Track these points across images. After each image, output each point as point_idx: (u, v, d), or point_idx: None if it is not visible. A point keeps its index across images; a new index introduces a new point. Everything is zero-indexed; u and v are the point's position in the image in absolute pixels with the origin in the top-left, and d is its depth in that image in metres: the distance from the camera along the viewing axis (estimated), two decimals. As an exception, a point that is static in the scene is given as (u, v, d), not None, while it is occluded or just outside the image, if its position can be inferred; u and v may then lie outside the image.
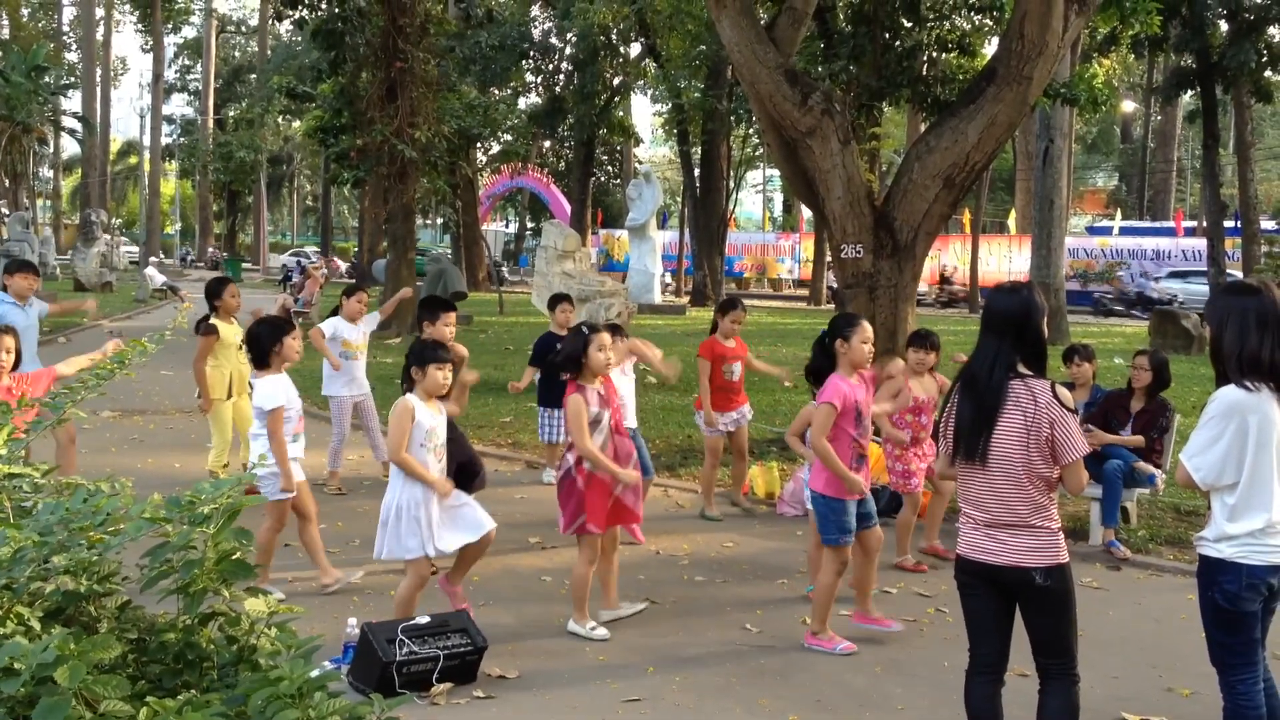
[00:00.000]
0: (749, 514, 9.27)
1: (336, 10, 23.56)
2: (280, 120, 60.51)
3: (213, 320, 8.85)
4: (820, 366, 6.39)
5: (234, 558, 2.55)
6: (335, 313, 9.89)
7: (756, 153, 44.62)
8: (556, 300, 10.39)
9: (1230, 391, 4.08)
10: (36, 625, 2.43)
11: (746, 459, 9.50)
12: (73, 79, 57.54)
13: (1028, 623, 4.19)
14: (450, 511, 6.01)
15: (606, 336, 6.26)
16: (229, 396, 8.77)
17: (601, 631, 6.19)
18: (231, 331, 8.73)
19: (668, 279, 42.02)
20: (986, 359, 4.17)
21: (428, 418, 5.87)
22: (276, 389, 6.62)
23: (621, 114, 46.43)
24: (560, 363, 6.33)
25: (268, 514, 6.73)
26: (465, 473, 7.55)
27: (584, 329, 6.33)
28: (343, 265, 26.44)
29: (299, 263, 44.04)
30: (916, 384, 7.81)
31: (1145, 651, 6.18)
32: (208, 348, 8.71)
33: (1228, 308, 4.19)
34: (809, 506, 6.97)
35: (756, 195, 78.84)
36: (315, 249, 50.39)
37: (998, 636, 4.27)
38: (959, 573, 4.31)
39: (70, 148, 71.01)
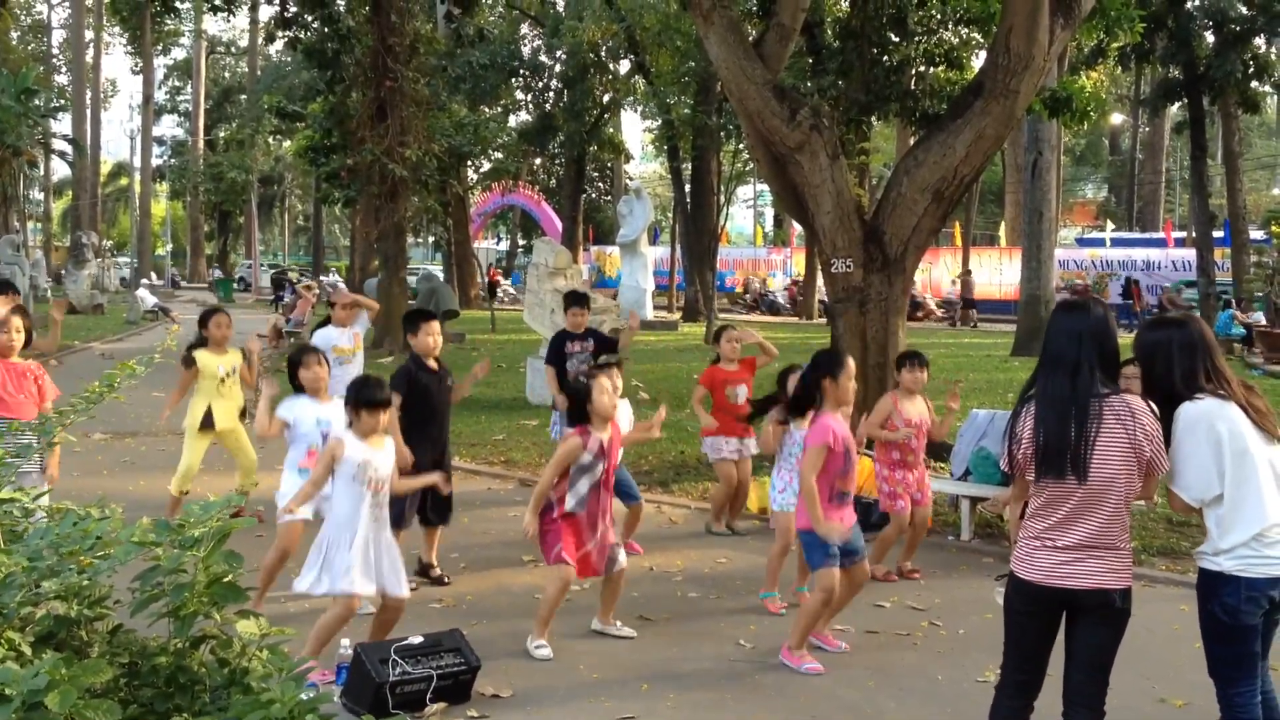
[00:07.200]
0: (732, 533, 9.17)
1: (327, 30, 23.61)
2: (271, 140, 60.42)
3: (196, 351, 8.79)
4: (803, 398, 6.40)
5: (224, 580, 2.55)
6: (326, 323, 9.82)
7: (747, 168, 44.62)
8: (571, 300, 9.73)
9: (1186, 405, 4.08)
10: (28, 650, 2.43)
11: (746, 494, 9.40)
12: (62, 101, 57.23)
13: (1083, 645, 4.07)
14: (378, 553, 5.71)
15: (607, 381, 6.28)
16: (206, 427, 8.69)
17: (545, 652, 6.15)
18: (215, 362, 8.68)
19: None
20: (1063, 375, 4.00)
21: (359, 452, 5.61)
22: (298, 408, 6.59)
23: (611, 130, 46.41)
24: (569, 417, 6.38)
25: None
26: (438, 500, 7.51)
27: (582, 378, 6.41)
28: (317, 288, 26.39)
29: (289, 281, 43.95)
30: (908, 405, 7.83)
31: (1138, 662, 6.17)
32: (187, 381, 8.70)
33: (1153, 343, 4.21)
34: (773, 526, 6.99)
35: (747, 210, 78.95)
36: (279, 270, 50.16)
37: (1042, 662, 4.16)
38: (1020, 599, 4.10)
39: (60, 170, 70.86)
